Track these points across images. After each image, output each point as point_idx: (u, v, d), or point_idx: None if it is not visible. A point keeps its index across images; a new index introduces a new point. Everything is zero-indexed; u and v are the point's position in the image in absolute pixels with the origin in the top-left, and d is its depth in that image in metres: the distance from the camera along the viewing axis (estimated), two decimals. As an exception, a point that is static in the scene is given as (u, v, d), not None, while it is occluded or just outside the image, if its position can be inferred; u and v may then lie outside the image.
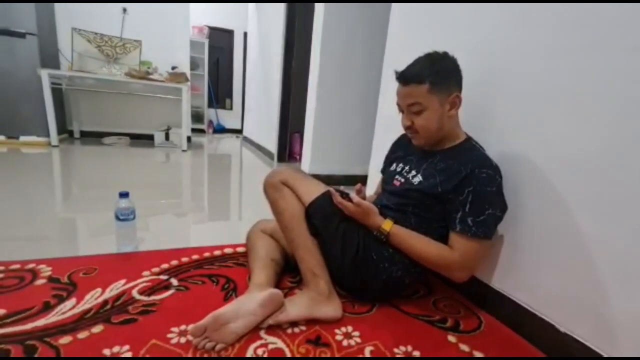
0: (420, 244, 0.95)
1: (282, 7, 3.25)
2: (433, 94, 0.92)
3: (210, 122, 6.16)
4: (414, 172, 1.04)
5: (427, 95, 0.92)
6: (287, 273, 1.14)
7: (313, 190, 1.02)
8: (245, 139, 5.17)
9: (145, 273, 1.07)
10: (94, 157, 3.09)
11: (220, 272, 1.13)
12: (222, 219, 1.88)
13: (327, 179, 2.65)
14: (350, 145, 2.65)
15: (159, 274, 1.08)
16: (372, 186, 1.52)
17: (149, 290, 0.98)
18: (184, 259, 1.19)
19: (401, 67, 0.97)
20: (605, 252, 0.77)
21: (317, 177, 2.58)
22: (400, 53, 1.53)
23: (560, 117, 0.86)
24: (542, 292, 0.91)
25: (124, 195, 1.20)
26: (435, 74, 0.91)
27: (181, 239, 1.46)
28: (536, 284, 0.92)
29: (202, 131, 5.91)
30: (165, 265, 1.14)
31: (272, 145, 3.62)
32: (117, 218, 1.19)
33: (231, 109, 6.37)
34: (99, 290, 0.96)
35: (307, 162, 2.65)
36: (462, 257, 0.91)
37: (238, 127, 6.25)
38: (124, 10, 3.70)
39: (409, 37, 1.49)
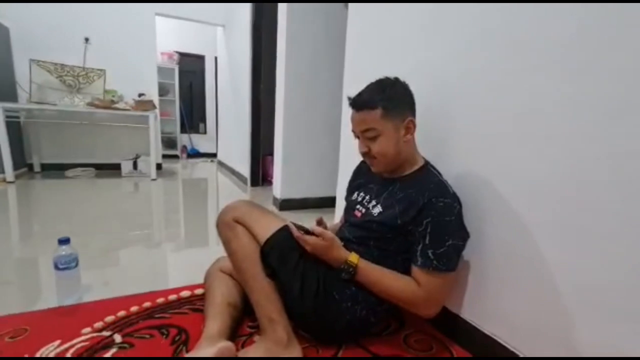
0: (387, 279, 0.89)
1: (247, 30, 3.25)
2: (387, 119, 0.90)
3: (184, 147, 6.03)
4: (374, 202, 1.00)
5: (381, 120, 0.90)
6: (248, 316, 1.05)
7: (269, 227, 0.95)
8: (220, 163, 5.07)
9: (86, 330, 0.96)
10: (54, 192, 2.92)
11: (172, 322, 1.03)
12: (185, 254, 1.77)
13: (300, 203, 2.62)
14: (322, 167, 2.61)
15: (101, 329, 0.97)
16: (340, 212, 1.46)
17: (86, 352, 0.87)
18: (133, 308, 1.08)
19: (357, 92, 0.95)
20: (569, 280, 0.73)
21: (289, 201, 2.56)
22: (358, 78, 1.51)
23: (516, 140, 0.84)
24: (509, 323, 0.86)
25: (63, 241, 1.09)
26: (387, 100, 0.90)
27: (136, 282, 1.33)
28: (503, 314, 0.88)
29: (175, 157, 5.77)
30: (110, 318, 1.03)
31: (245, 170, 3.54)
32: (57, 267, 1.08)
33: (205, 132, 6.27)
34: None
35: (278, 186, 2.58)
36: (427, 293, 0.85)
37: (213, 150, 6.13)
38: (86, 39, 3.61)
39: (365, 63, 1.48)
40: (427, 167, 0.98)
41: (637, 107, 0.61)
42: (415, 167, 0.98)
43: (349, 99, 0.96)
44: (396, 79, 0.95)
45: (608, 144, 0.66)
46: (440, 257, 0.84)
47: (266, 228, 0.95)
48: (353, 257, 0.90)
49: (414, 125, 0.94)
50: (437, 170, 0.97)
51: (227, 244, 0.98)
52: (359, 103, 0.93)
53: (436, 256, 0.84)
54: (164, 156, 4.74)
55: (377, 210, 0.96)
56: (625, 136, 0.63)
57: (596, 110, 0.67)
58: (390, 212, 0.92)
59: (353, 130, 0.98)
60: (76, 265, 1.11)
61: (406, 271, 0.91)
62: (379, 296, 0.91)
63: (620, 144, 0.64)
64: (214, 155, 5.92)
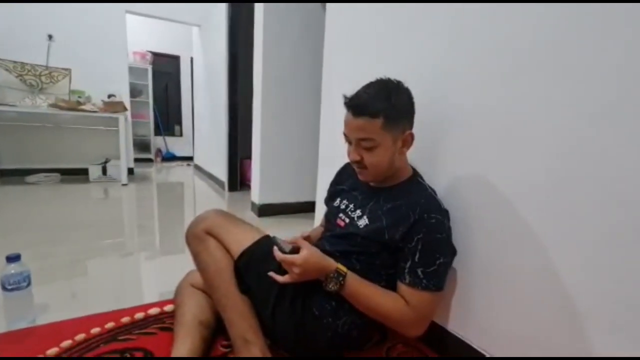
0: (376, 295, 0.82)
1: (224, 30, 3.16)
2: (387, 130, 0.81)
3: (159, 150, 5.82)
4: (359, 212, 0.94)
5: (381, 131, 0.81)
6: (221, 334, 0.97)
7: (243, 239, 0.89)
8: (197, 167, 4.91)
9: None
10: (13, 199, 2.70)
11: (137, 344, 0.94)
12: (158, 265, 1.67)
13: (279, 208, 2.54)
14: (301, 171, 2.55)
15: (55, 357, 0.87)
16: (320, 217, 1.41)
17: (35, 385, 0.78)
18: (94, 330, 0.99)
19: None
20: (555, 289, 0.71)
21: (268, 206, 2.48)
22: (336, 80, 1.47)
23: (499, 147, 0.81)
24: (500, 337, 0.83)
25: (12, 259, 0.97)
26: (391, 108, 0.80)
27: (102, 298, 1.22)
28: (492, 328, 0.85)
29: (150, 160, 5.55)
30: (67, 343, 0.92)
31: (222, 174, 3.43)
32: (4, 288, 0.96)
33: (181, 135, 6.08)
34: (-39, 395, 0.74)
35: (257, 190, 2.51)
36: (417, 313, 0.81)
37: (189, 154, 5.95)
38: (50, 37, 3.40)
39: (343, 64, 1.44)
40: (415, 176, 0.94)
41: (627, 108, 0.60)
42: (404, 178, 0.93)
43: (345, 98, 0.84)
44: (399, 83, 0.86)
45: (596, 153, 0.64)
46: (429, 276, 0.80)
47: (240, 240, 0.89)
48: (341, 266, 0.82)
49: (413, 139, 0.88)
50: (425, 182, 0.93)
51: (197, 258, 0.91)
52: (358, 108, 0.81)
53: (425, 275, 0.79)
54: (138, 160, 4.55)
55: (363, 222, 0.90)
56: (616, 141, 0.61)
57: (583, 115, 0.66)
58: (377, 226, 0.86)
59: (345, 134, 0.88)
60: (28, 284, 1.00)
61: (390, 287, 0.86)
62: (363, 313, 0.84)
63: (611, 150, 0.62)
64: (191, 158, 5.76)
